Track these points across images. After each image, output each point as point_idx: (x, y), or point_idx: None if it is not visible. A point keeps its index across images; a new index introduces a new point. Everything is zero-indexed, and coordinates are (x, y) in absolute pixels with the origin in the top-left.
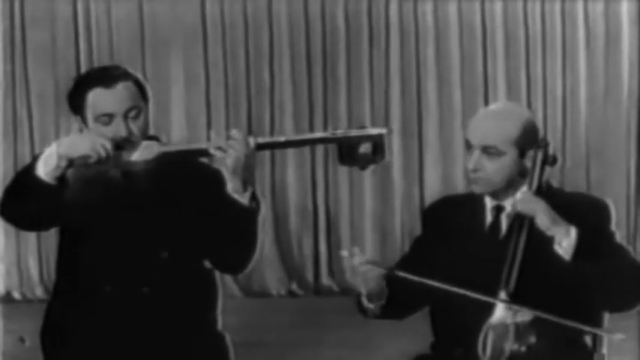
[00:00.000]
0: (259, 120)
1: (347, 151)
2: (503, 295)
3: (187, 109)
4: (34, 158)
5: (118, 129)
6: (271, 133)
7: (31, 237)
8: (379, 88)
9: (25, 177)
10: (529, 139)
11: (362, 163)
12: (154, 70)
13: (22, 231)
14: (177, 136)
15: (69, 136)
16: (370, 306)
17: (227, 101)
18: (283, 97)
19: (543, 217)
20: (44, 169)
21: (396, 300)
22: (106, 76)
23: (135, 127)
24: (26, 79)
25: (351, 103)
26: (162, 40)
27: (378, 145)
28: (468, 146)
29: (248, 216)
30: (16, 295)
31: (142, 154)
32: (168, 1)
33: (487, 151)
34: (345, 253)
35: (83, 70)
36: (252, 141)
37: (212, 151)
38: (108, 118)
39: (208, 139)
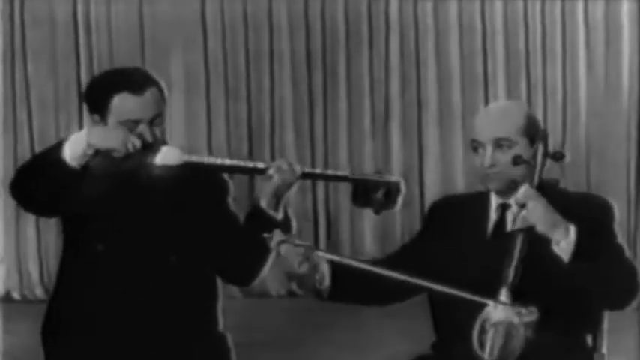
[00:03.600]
0: (259, 120)
1: (362, 194)
2: (504, 292)
3: (187, 109)
4: (59, 143)
5: (144, 135)
6: (271, 133)
7: (31, 237)
8: (379, 88)
9: (48, 158)
10: (535, 127)
11: (376, 207)
12: (154, 70)
13: (23, 217)
14: (177, 137)
15: (99, 127)
16: (318, 287)
17: (227, 102)
18: (283, 97)
19: (542, 223)
20: (70, 154)
21: (365, 282)
22: (133, 81)
23: (159, 133)
24: (26, 80)
25: (351, 103)
26: (162, 41)
27: (393, 193)
28: (476, 147)
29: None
30: (16, 295)
31: (165, 158)
32: (168, 1)
33: (499, 144)
34: (266, 235)
35: (83, 70)
36: (298, 167)
37: (271, 172)
38: (134, 124)
39: (209, 140)
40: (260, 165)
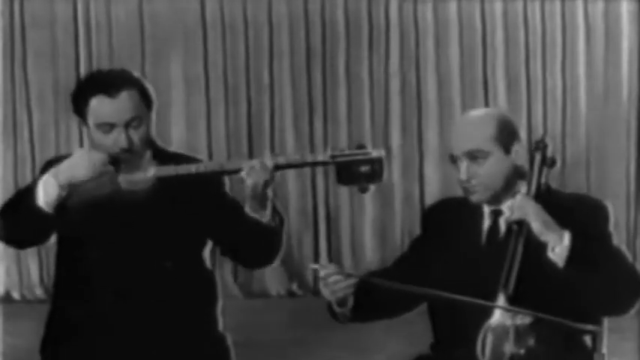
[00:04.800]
0: (259, 120)
1: (346, 172)
2: (502, 297)
3: (187, 109)
4: (33, 182)
5: (119, 139)
6: (271, 133)
7: None
8: (379, 88)
9: (25, 206)
10: (508, 133)
11: (361, 184)
12: (154, 70)
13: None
14: (177, 137)
15: (64, 162)
16: (339, 310)
17: (227, 101)
18: (283, 97)
19: (536, 222)
20: (45, 199)
21: (385, 300)
22: (109, 83)
23: (136, 137)
24: (26, 80)
25: (351, 103)
26: (162, 41)
27: (376, 168)
28: (453, 160)
29: (270, 235)
30: (16, 295)
31: (137, 183)
32: (168, 1)
33: (473, 155)
34: (314, 265)
35: (83, 70)
36: (270, 163)
37: (243, 174)
38: (109, 127)
39: (209, 140)
40: (233, 167)
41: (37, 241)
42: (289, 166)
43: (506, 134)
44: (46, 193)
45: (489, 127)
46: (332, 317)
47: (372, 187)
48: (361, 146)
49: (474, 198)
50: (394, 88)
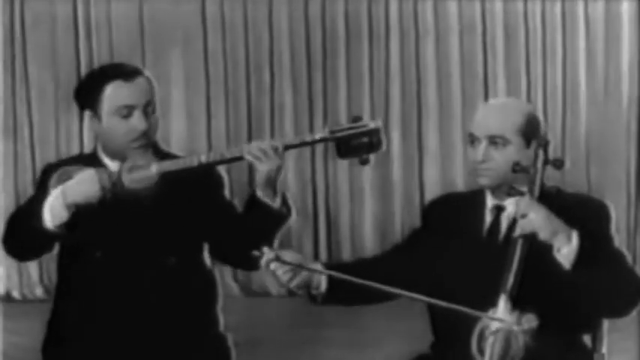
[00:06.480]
0: (259, 120)
1: (345, 146)
2: (503, 298)
3: (187, 109)
4: (35, 196)
5: (139, 121)
6: (271, 133)
7: None
8: (379, 88)
9: (31, 228)
10: (533, 129)
11: (361, 155)
12: (154, 70)
13: None
14: (177, 136)
15: (71, 181)
16: (313, 292)
17: (227, 101)
18: (283, 97)
19: (544, 232)
20: (52, 221)
21: (360, 287)
22: (124, 70)
23: (153, 121)
24: (26, 79)
25: (351, 103)
26: (162, 40)
27: (375, 139)
28: (472, 140)
29: (277, 220)
30: (16, 295)
31: (141, 181)
32: (168, 1)
33: (494, 141)
34: (255, 252)
35: (83, 70)
36: (280, 146)
37: (249, 158)
38: (127, 110)
39: (209, 141)
40: (234, 154)
41: (41, 255)
42: (292, 146)
43: (531, 130)
44: (53, 216)
45: (517, 117)
46: (309, 300)
47: (372, 158)
48: (358, 118)
49: (482, 181)
50: (394, 88)
